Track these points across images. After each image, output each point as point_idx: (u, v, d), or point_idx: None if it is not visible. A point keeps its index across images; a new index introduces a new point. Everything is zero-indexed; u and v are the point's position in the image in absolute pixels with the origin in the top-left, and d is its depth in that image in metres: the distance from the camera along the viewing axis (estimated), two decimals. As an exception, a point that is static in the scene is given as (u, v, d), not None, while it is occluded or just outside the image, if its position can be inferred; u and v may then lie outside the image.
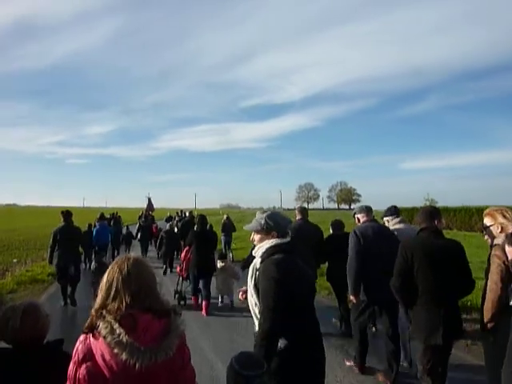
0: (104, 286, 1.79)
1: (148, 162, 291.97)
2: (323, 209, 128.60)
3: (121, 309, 1.69)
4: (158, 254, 13.69)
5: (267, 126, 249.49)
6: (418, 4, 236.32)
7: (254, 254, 2.51)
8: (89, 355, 1.66)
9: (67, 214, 7.91)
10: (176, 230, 12.84)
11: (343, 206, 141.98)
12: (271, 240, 2.42)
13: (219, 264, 7.68)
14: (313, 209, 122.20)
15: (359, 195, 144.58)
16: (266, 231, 2.45)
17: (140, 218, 18.61)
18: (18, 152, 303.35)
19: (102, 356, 1.63)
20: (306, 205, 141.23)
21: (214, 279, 7.63)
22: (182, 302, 7.78)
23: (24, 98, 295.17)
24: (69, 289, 7.72)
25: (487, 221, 3.11)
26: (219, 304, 7.72)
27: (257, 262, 2.45)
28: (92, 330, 1.68)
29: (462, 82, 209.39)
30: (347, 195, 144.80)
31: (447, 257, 3.24)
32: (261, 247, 2.45)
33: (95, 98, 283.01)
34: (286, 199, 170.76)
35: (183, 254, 8.20)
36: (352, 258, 4.34)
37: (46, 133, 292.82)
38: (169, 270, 11.52)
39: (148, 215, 20.33)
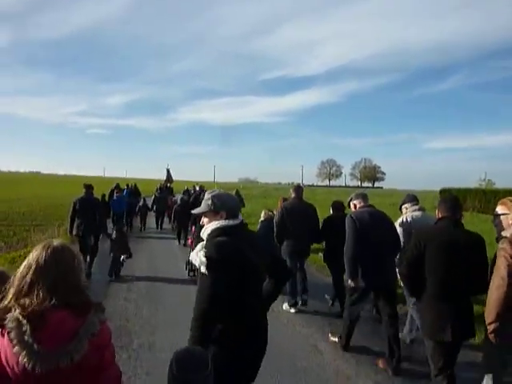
0: (18, 275, 1.65)
1: (167, 134, 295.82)
2: (345, 186, 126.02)
3: (32, 303, 1.57)
4: (172, 226, 14.13)
5: (288, 100, 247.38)
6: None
7: (201, 235, 2.44)
8: None
9: (89, 186, 8.12)
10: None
11: (366, 183, 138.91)
12: (217, 221, 2.35)
13: None
14: (335, 186, 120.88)
15: (383, 173, 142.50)
16: (213, 212, 2.38)
17: (157, 189, 18.73)
18: (42, 120, 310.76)
19: (5, 354, 1.54)
20: (327, 181, 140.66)
21: None
22: (192, 273, 7.94)
23: (46, 68, 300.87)
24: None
25: (500, 209, 2.94)
26: None
27: (203, 243, 2.37)
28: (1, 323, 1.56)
29: (489, 59, 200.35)
30: (371, 173, 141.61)
31: (464, 250, 3.00)
32: (207, 228, 2.38)
33: (115, 68, 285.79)
34: (307, 175, 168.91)
35: (193, 228, 8.41)
36: (349, 241, 4.35)
37: (68, 102, 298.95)
38: (181, 242, 11.87)
39: (167, 187, 20.55)
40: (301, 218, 5.94)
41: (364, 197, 4.69)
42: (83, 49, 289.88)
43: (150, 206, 15.75)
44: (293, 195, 6.26)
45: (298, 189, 6.35)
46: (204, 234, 2.39)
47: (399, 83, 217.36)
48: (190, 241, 8.67)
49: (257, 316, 2.35)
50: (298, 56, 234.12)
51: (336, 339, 4.80)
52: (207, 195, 2.45)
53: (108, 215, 13.28)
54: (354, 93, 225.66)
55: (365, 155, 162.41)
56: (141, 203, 15.69)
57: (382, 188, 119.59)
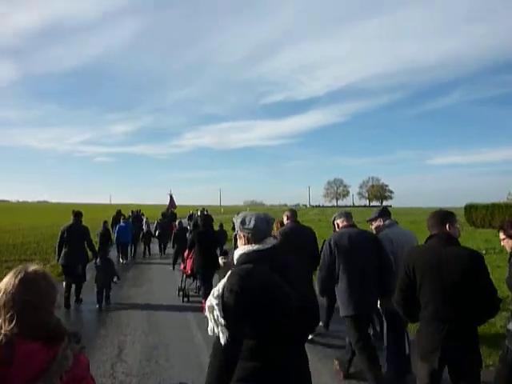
0: None
1: (172, 160, 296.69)
2: (353, 206, 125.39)
3: None
4: (163, 250, 14.50)
5: (290, 123, 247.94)
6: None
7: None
8: None
9: (77, 213, 8.03)
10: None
11: (374, 202, 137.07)
12: (245, 246, 2.15)
13: (221, 261, 7.67)
14: (342, 206, 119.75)
15: (391, 192, 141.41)
16: (240, 233, 2.19)
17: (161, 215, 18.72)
18: (49, 151, 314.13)
19: None
20: (334, 201, 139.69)
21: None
22: (186, 299, 7.96)
23: (53, 99, 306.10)
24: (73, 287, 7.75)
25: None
26: None
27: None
28: None
29: (489, 75, 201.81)
30: (379, 191, 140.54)
31: (458, 267, 2.74)
32: (235, 253, 2.21)
33: (120, 97, 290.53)
34: (313, 196, 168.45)
35: (186, 253, 8.35)
36: (321, 268, 4.22)
37: (75, 132, 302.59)
38: (175, 267, 11.64)
39: (169, 212, 20.57)
40: (300, 245, 5.35)
41: (347, 216, 4.44)
42: (88, 80, 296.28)
43: (153, 231, 15.77)
44: (289, 219, 5.80)
45: (293, 212, 5.99)
46: (234, 257, 2.22)
47: (401, 101, 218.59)
48: (182, 266, 8.56)
49: (289, 354, 2.06)
50: (298, 79, 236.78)
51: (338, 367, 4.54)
52: (237, 215, 2.28)
53: (109, 243, 13.20)
54: (357, 113, 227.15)
55: (370, 174, 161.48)
56: (144, 229, 15.74)
57: (390, 206, 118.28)
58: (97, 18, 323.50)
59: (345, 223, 4.38)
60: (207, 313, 2.03)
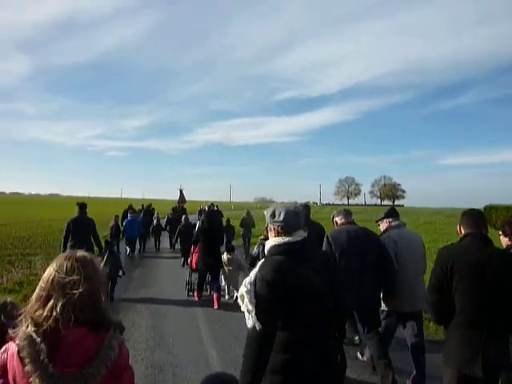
0: (38, 287, 1.49)
1: (184, 155, 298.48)
2: (365, 204, 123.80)
3: (47, 318, 1.40)
4: (173, 245, 14.06)
5: (302, 120, 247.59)
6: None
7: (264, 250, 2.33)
8: (2, 371, 1.44)
9: (82, 205, 7.95)
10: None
11: (386, 202, 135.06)
12: (276, 238, 2.20)
13: (226, 256, 7.83)
14: (354, 204, 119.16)
15: (403, 191, 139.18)
16: (270, 226, 2.24)
17: (171, 210, 18.78)
18: (61, 144, 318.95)
19: (14, 373, 1.40)
20: (345, 200, 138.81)
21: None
22: (191, 293, 7.99)
23: (66, 93, 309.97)
24: None
25: None
26: (226, 297, 7.81)
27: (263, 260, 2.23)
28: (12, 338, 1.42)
29: (502, 75, 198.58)
30: (391, 190, 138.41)
31: (499, 269, 2.59)
32: (266, 245, 2.25)
33: (133, 92, 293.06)
34: (324, 194, 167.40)
35: (192, 248, 8.39)
36: None
37: (87, 126, 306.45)
38: (182, 263, 11.71)
39: (179, 207, 20.40)
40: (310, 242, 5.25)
41: (346, 213, 4.46)
42: (102, 74, 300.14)
43: (163, 226, 15.82)
44: None
45: (306, 207, 5.82)
46: (265, 248, 2.26)
47: (415, 100, 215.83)
48: (189, 260, 8.52)
49: (320, 339, 2.09)
50: (312, 76, 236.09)
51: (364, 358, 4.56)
52: (270, 208, 2.31)
53: (119, 237, 13.64)
54: (369, 111, 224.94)
55: (382, 173, 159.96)
56: (155, 223, 15.82)
57: (403, 206, 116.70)
58: (111, 12, 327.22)
59: (343, 220, 4.41)
60: (239, 301, 2.10)
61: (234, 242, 12.57)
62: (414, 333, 4.07)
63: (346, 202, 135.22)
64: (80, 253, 1.58)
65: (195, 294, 7.80)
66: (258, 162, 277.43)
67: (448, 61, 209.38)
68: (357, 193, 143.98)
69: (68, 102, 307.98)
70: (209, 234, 7.83)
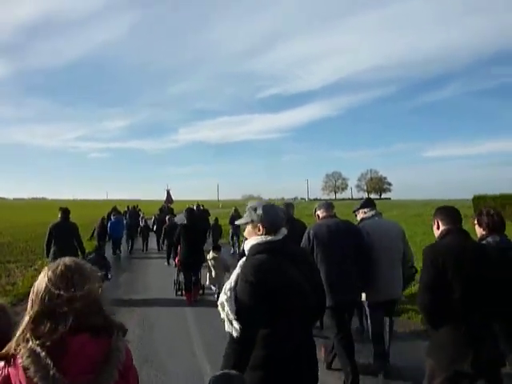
0: (31, 299, 1.43)
1: (169, 155, 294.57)
2: (352, 198, 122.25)
3: (52, 332, 1.35)
4: (161, 245, 14.06)
5: (287, 117, 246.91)
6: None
7: (244, 249, 2.28)
8: None
9: (65, 210, 7.90)
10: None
11: (373, 195, 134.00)
12: (257, 237, 2.17)
13: (211, 255, 7.85)
14: (341, 199, 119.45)
15: (390, 184, 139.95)
16: (252, 224, 2.21)
17: (158, 210, 18.70)
18: (43, 147, 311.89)
19: None
20: (333, 195, 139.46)
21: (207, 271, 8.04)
22: (179, 293, 8.02)
23: (47, 95, 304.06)
24: None
25: None
26: (215, 294, 7.74)
27: (244, 260, 2.19)
28: (10, 356, 1.35)
29: (484, 67, 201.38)
30: (378, 184, 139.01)
31: (485, 262, 2.61)
32: (247, 243, 2.23)
33: (115, 92, 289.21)
34: (311, 190, 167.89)
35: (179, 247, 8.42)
36: None
37: (69, 128, 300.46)
38: (170, 262, 11.63)
39: (166, 208, 20.30)
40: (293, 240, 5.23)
41: (328, 206, 4.45)
42: (82, 75, 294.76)
43: (151, 226, 15.78)
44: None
45: (289, 205, 5.94)
46: (245, 247, 2.25)
47: (398, 94, 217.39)
48: (176, 259, 8.49)
49: (299, 341, 2.09)
50: (294, 72, 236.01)
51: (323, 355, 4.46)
52: (248, 206, 2.29)
53: (105, 239, 13.51)
54: (353, 106, 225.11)
55: (369, 167, 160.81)
56: (142, 224, 15.79)
57: (389, 199, 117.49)
58: (92, 11, 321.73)
59: (324, 214, 4.38)
60: (219, 309, 2.07)
61: (221, 241, 12.55)
62: (380, 320, 4.30)
63: (334, 197, 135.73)
64: (70, 260, 1.53)
65: (186, 295, 7.72)
66: (244, 159, 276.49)
67: (431, 54, 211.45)
68: (344, 187, 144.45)
69: (48, 104, 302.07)
70: (190, 233, 7.77)
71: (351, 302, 4.21)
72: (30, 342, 1.34)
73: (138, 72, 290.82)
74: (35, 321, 1.39)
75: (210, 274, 7.90)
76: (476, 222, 3.47)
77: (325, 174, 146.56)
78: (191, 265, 7.67)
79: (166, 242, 11.86)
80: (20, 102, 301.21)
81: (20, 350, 1.34)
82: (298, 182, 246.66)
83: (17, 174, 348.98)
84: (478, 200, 27.41)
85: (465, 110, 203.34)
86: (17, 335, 1.39)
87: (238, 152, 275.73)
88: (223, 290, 2.09)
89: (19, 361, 1.33)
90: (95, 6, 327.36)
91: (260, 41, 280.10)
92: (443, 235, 2.79)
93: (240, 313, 1.96)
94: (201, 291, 7.99)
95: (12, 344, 1.38)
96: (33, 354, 1.32)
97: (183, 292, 7.85)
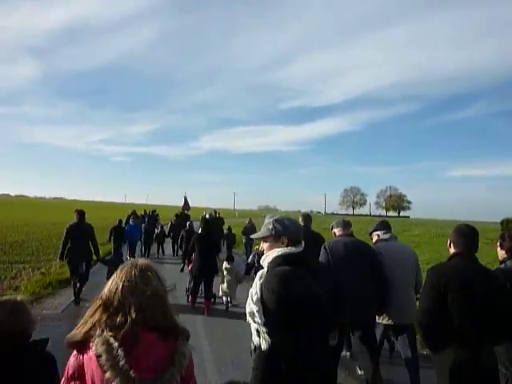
0: (106, 295, 1.55)
1: (188, 162, 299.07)
2: (370, 215, 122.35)
3: (123, 325, 1.45)
4: (176, 251, 14.51)
5: (307, 129, 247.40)
6: (466, 5, 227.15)
7: (261, 263, 2.29)
8: (79, 373, 1.49)
9: (81, 212, 8.05)
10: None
11: (391, 213, 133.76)
12: (279, 249, 2.21)
13: (225, 266, 7.86)
14: (359, 215, 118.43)
15: (409, 202, 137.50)
16: (274, 237, 2.26)
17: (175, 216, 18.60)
18: (68, 149, 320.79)
19: (92, 378, 1.43)
20: (351, 210, 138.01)
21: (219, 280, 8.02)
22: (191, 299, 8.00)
23: (74, 98, 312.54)
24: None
25: None
26: (225, 304, 7.79)
27: (264, 271, 2.22)
28: (84, 344, 1.45)
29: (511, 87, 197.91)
30: (397, 201, 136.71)
31: (489, 290, 2.58)
32: (268, 256, 2.24)
33: (139, 97, 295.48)
34: (328, 204, 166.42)
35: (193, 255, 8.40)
36: None
37: (93, 131, 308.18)
38: (183, 268, 11.61)
39: (183, 214, 20.31)
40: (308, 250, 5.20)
41: (345, 224, 4.39)
42: (109, 80, 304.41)
43: (166, 232, 15.80)
44: (301, 224, 5.53)
45: (307, 217, 5.85)
46: (264, 261, 2.24)
47: (421, 111, 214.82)
48: (189, 267, 8.48)
49: (318, 358, 2.10)
50: (316, 86, 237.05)
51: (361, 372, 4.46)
52: (268, 219, 2.32)
53: (122, 242, 13.48)
54: (375, 121, 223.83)
55: (388, 183, 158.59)
56: (158, 230, 15.87)
57: (408, 217, 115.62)
58: (120, 19, 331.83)
59: (341, 232, 4.36)
60: (248, 319, 2.11)
61: (234, 250, 12.44)
62: (406, 346, 4.14)
63: (352, 212, 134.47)
64: (142, 260, 1.68)
65: (190, 299, 7.85)
66: (263, 170, 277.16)
67: (454, 72, 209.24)
68: (362, 203, 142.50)
69: (75, 106, 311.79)
70: (205, 242, 7.77)
71: (366, 320, 4.08)
72: (105, 332, 1.44)
73: (163, 78, 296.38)
74: (106, 312, 1.50)
75: (222, 285, 7.88)
76: (498, 245, 3.43)
77: (343, 189, 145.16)
78: (203, 273, 7.65)
79: (183, 247, 11.84)
80: (48, 104, 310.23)
81: (94, 339, 1.43)
82: (315, 196, 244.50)
83: (39, 174, 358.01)
84: (508, 224, 26.71)
85: (490, 131, 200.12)
86: (86, 327, 1.48)
87: (257, 163, 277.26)
88: (250, 300, 2.11)
89: (92, 349, 1.42)
90: (124, 14, 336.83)
91: (284, 53, 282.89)
92: (450, 258, 2.81)
93: (269, 324, 2.01)
94: (212, 299, 7.93)
95: (80, 334, 1.47)
96: (106, 343, 1.41)
97: (189, 298, 7.94)
